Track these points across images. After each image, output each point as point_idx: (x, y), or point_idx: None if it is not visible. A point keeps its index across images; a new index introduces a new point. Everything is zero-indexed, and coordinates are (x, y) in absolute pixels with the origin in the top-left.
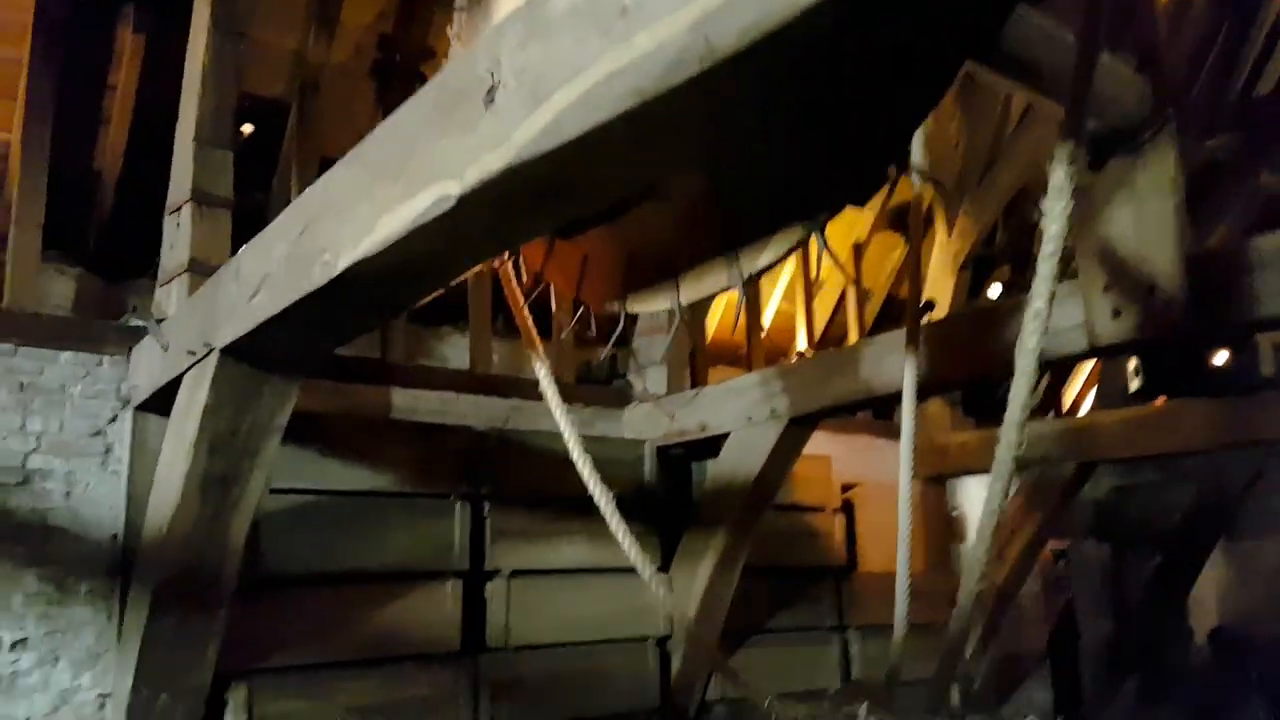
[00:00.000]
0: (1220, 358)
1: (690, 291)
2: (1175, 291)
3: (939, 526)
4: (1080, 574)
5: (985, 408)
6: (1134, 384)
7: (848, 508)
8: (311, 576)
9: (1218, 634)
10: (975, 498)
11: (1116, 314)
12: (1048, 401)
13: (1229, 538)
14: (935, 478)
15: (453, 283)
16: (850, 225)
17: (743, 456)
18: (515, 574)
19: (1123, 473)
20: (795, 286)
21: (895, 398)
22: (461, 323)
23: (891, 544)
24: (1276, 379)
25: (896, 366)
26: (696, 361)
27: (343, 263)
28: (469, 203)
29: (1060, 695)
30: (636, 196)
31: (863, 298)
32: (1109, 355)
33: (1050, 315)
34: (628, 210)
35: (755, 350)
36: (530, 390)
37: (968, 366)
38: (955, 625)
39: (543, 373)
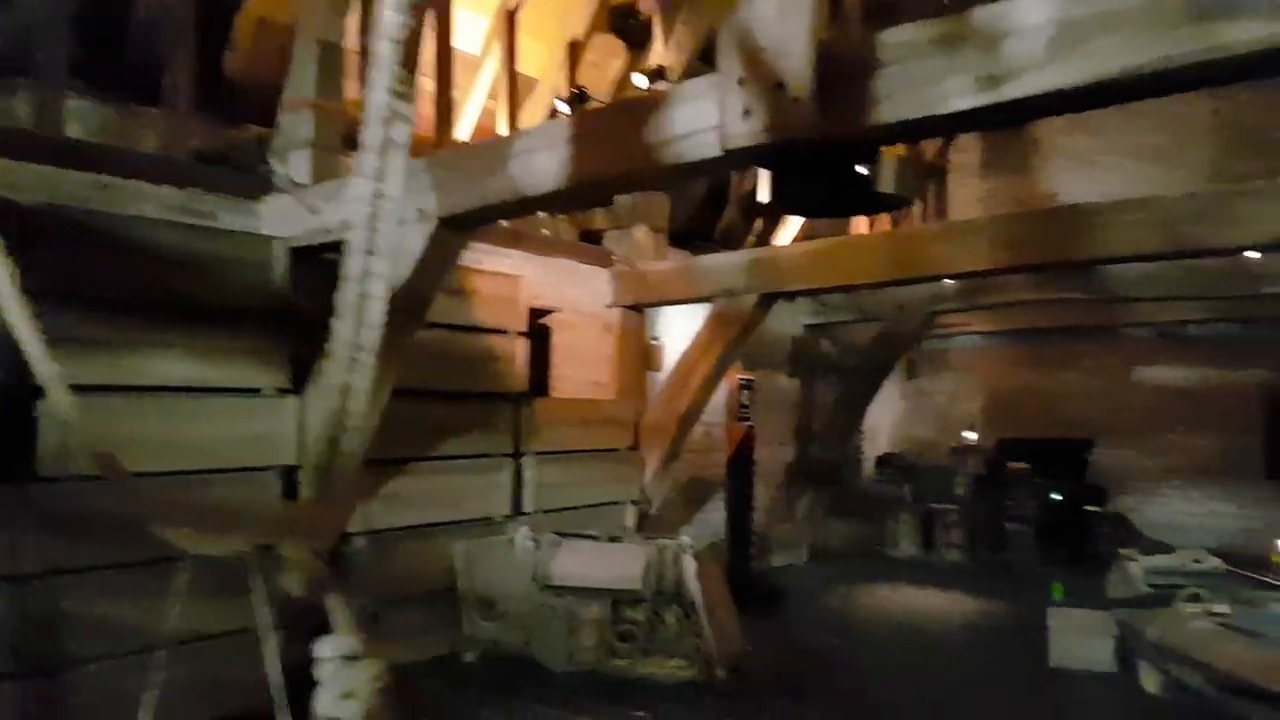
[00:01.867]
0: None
1: None
2: (804, 89)
3: (636, 354)
4: (766, 403)
5: (694, 238)
6: (763, 193)
7: (541, 333)
8: None
9: (884, 459)
10: (676, 330)
11: (746, 113)
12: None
13: (907, 376)
14: (635, 306)
15: None
16: (564, 20)
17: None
18: (81, 389)
19: (817, 311)
20: (500, 85)
21: (555, 202)
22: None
23: (589, 372)
24: (911, 199)
25: (549, 164)
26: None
27: None
28: None
29: (737, 516)
30: None
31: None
32: (740, 162)
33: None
34: None
35: (445, 145)
36: (129, 165)
37: (617, 163)
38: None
39: None
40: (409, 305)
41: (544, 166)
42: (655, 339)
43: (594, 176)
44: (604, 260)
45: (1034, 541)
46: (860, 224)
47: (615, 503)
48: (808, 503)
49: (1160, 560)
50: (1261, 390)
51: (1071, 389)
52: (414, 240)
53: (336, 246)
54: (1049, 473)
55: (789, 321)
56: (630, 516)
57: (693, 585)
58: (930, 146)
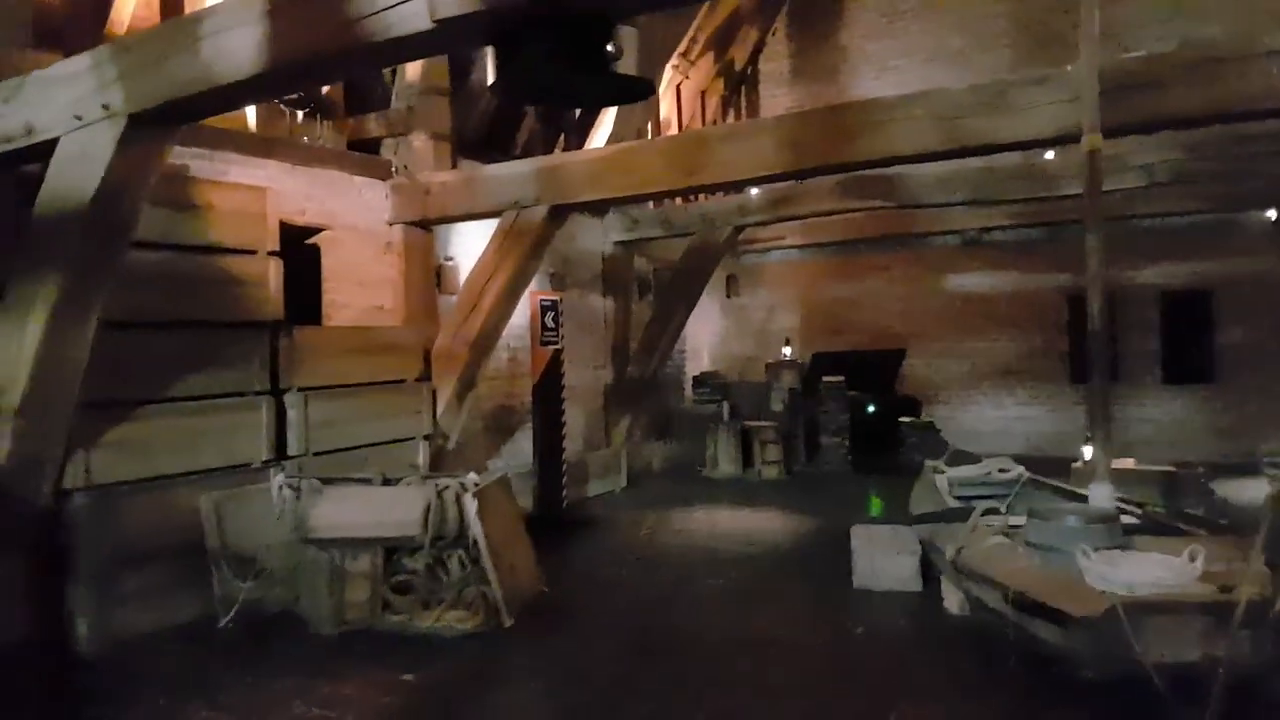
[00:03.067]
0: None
1: None
2: None
3: (424, 276)
4: (579, 324)
5: (492, 151)
6: (490, 77)
7: (309, 254)
8: None
9: (701, 379)
10: (472, 249)
11: None
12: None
13: (728, 293)
14: (418, 222)
15: None
16: None
17: (79, 170)
18: None
19: (627, 227)
20: None
21: (256, 90)
22: None
23: (368, 296)
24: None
25: (245, 44)
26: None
27: None
28: None
29: (545, 444)
30: None
31: None
32: (457, 37)
33: None
34: None
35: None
36: None
37: (320, 39)
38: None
39: None
40: (107, 220)
41: (239, 47)
42: (449, 259)
43: (295, 57)
44: (380, 172)
45: (848, 455)
46: None
47: (404, 439)
48: (625, 426)
49: (965, 471)
50: (1066, 294)
51: (882, 299)
52: (101, 142)
53: (14, 157)
54: (862, 384)
55: (599, 238)
56: (422, 453)
57: (475, 528)
58: (740, 55)
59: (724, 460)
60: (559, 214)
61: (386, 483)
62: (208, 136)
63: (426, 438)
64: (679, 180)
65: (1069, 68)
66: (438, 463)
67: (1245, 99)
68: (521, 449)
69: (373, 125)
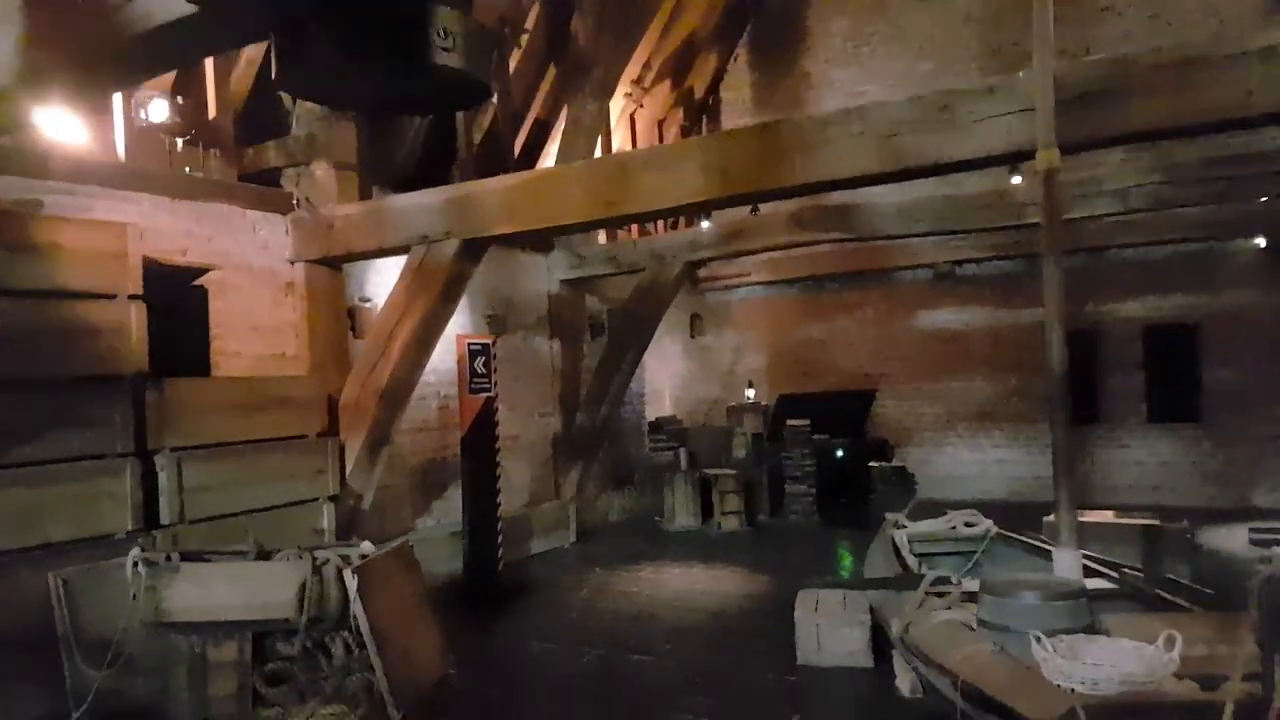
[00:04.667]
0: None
1: None
2: None
3: (332, 320)
4: (523, 369)
5: (423, 180)
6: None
7: (193, 297)
8: None
9: (656, 424)
10: (389, 287)
11: None
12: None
13: (691, 333)
14: (324, 260)
15: None
16: None
17: None
18: None
19: (573, 265)
20: None
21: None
22: None
23: (266, 343)
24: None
25: (4, 43)
26: None
27: None
28: None
29: (475, 501)
30: None
31: None
32: (230, 30)
33: None
34: None
35: None
36: None
37: (75, 33)
38: None
39: None
40: None
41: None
42: (365, 300)
43: (54, 57)
44: (279, 205)
45: (815, 504)
46: None
47: (304, 501)
48: (575, 478)
49: (926, 526)
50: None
51: (852, 338)
52: None
53: None
54: (830, 428)
55: (543, 277)
56: (327, 517)
57: (357, 608)
58: (699, 82)
59: (681, 512)
60: (473, 249)
61: (262, 556)
62: (65, 169)
63: (332, 499)
64: (599, 210)
65: (1020, 74)
66: (351, 526)
67: (1221, 107)
68: (455, 506)
69: (272, 154)
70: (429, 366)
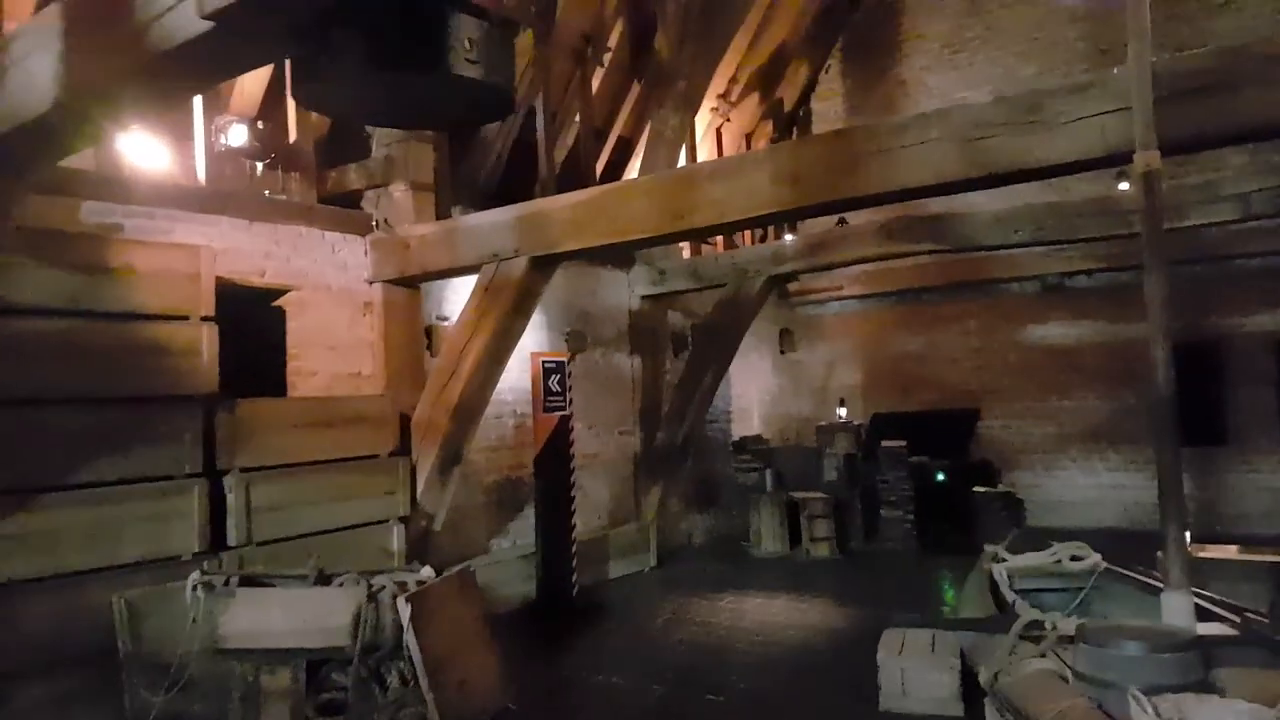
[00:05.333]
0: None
1: None
2: None
3: (408, 339)
4: (604, 386)
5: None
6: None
7: (272, 317)
8: None
9: (741, 444)
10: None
11: None
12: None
13: (782, 349)
14: (401, 280)
15: None
16: None
17: None
18: None
19: (654, 280)
20: None
21: (58, 126)
22: None
23: (342, 361)
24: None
25: (45, 69)
26: None
27: None
28: None
29: (548, 523)
30: None
31: None
32: (247, 47)
33: None
34: None
35: None
36: None
37: (112, 56)
38: None
39: None
40: None
41: (41, 72)
42: (443, 319)
43: (92, 80)
44: (357, 226)
45: (913, 530)
46: None
47: (375, 523)
48: (657, 498)
49: (1028, 560)
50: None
51: (954, 353)
52: None
53: None
54: (931, 449)
55: (624, 293)
56: (397, 539)
57: (410, 637)
58: (789, 93)
59: (768, 536)
60: (542, 265)
61: (323, 581)
62: (146, 193)
63: (403, 520)
64: (666, 224)
65: (1115, 70)
66: (423, 547)
67: None
68: (531, 526)
69: (353, 177)
70: (505, 384)
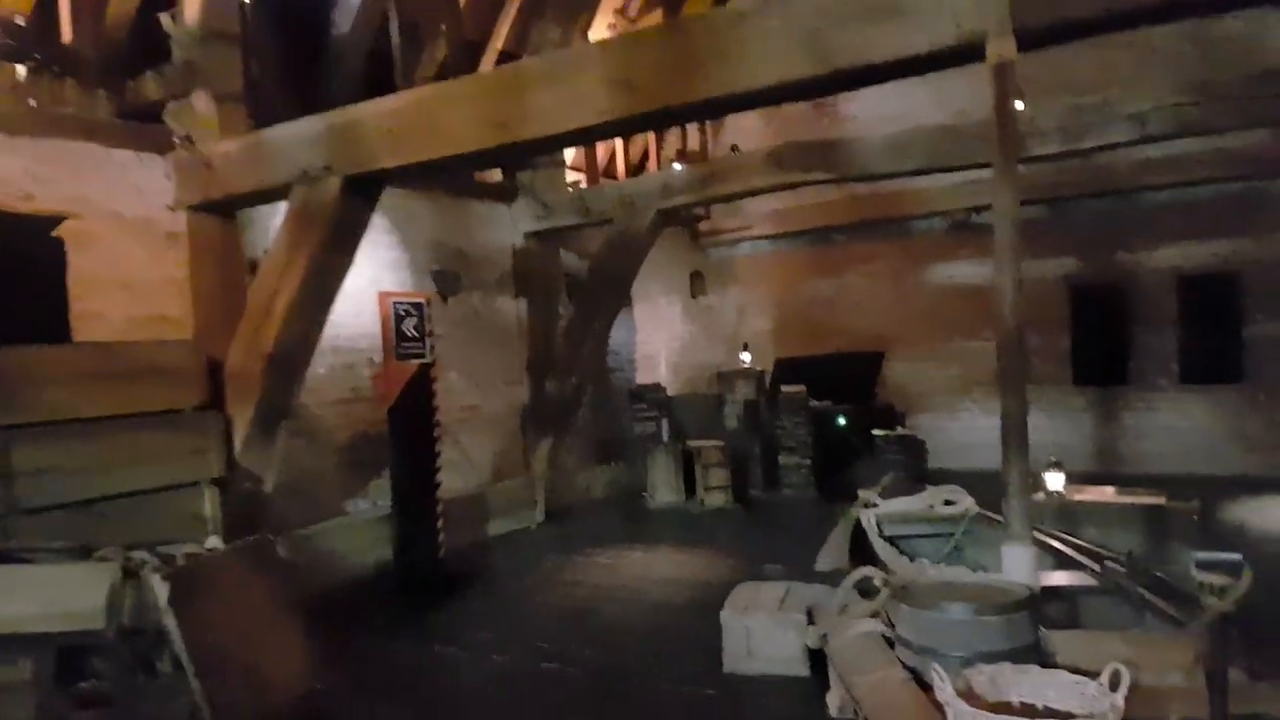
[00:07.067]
0: None
1: None
2: None
3: (226, 276)
4: (486, 332)
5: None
6: None
7: (48, 251)
8: None
9: (637, 393)
10: None
11: None
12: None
13: (693, 293)
14: (208, 206)
15: None
16: None
17: None
18: None
19: (538, 215)
20: None
21: None
22: None
23: (141, 303)
24: None
25: None
26: None
27: None
28: None
29: (404, 481)
30: None
31: None
32: None
33: None
34: None
35: None
36: None
37: None
38: None
39: None
40: None
41: None
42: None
43: None
44: (156, 145)
45: (811, 477)
46: None
47: (180, 486)
48: (546, 451)
49: (899, 505)
50: (1069, 283)
51: (862, 296)
52: None
53: None
54: (834, 395)
55: (506, 229)
56: (209, 503)
57: (169, 619)
58: (699, 6)
59: (663, 487)
60: (360, 188)
61: (80, 557)
62: None
63: (218, 482)
64: (490, 136)
65: None
66: (249, 513)
67: None
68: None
69: (151, 86)
70: (356, 330)
